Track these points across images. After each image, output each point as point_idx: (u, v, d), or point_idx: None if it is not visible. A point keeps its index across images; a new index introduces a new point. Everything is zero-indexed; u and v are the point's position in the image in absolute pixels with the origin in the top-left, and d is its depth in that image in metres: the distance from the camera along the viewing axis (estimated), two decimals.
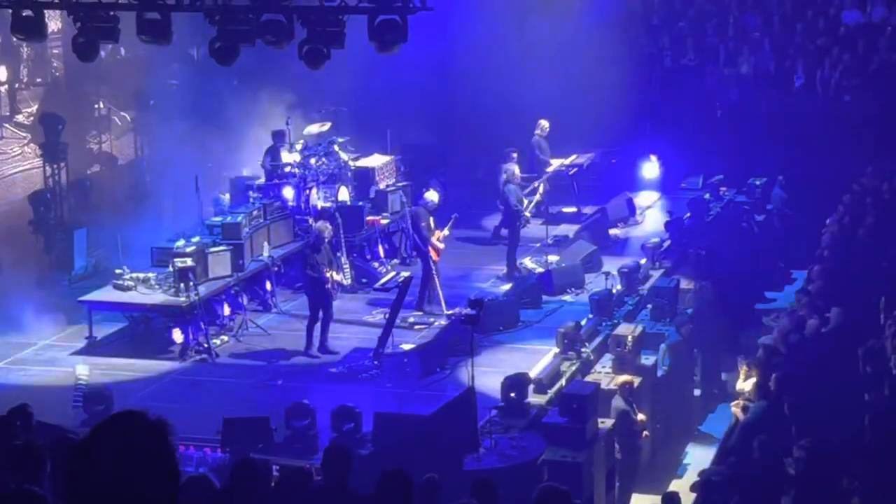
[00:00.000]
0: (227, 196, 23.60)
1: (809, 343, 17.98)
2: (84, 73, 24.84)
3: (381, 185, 25.01)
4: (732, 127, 29.08)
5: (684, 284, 21.52)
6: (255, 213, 22.24)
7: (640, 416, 17.07)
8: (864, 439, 14.58)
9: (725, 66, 30.37)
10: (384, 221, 24.41)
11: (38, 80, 26.95)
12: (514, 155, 25.01)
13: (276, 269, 22.18)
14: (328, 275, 20.02)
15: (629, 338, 18.07)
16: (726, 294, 21.41)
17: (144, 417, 4.05)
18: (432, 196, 22.50)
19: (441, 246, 21.90)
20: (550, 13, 31.11)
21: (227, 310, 21.02)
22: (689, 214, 25.07)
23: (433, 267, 21.60)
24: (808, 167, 26.91)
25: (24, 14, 16.40)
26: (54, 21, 23.89)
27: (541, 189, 23.89)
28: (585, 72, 28.75)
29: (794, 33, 30.29)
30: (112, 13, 16.12)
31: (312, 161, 23.83)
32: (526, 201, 23.47)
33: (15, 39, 17.84)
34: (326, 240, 20.49)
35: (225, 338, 20.60)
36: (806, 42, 30.05)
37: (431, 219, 22.03)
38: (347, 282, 22.17)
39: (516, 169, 23.72)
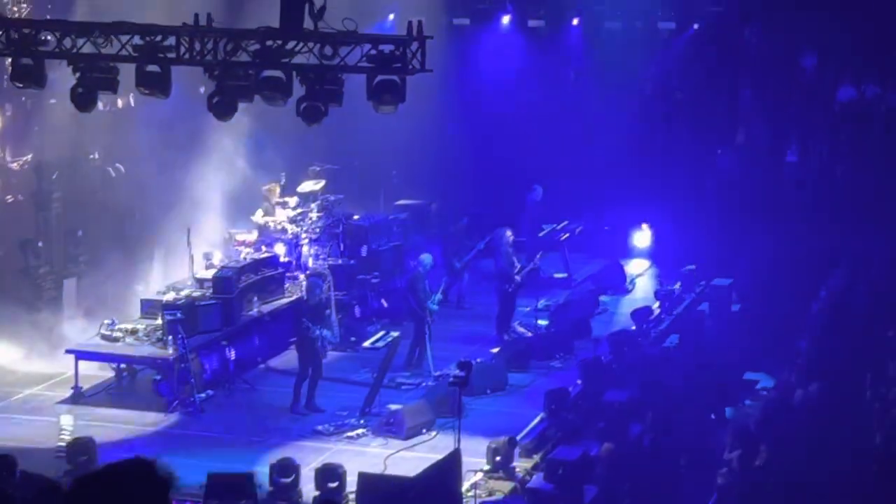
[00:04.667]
0: (219, 250, 23.57)
1: (796, 414, 17.97)
2: (80, 123, 24.86)
3: (374, 245, 25.04)
4: (723, 197, 29.19)
5: (674, 353, 21.50)
6: (246, 267, 22.24)
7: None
8: None
9: (719, 138, 30.53)
10: (375, 281, 24.41)
11: (35, 128, 26.91)
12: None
13: (264, 324, 22.16)
14: (319, 332, 20.00)
15: (616, 403, 18.06)
16: (714, 363, 21.39)
17: (153, 469, 4.07)
18: (427, 258, 22.57)
19: (435, 308, 21.88)
20: (545, 80, 31.28)
21: (214, 364, 20.95)
22: (679, 284, 25.13)
23: (426, 329, 21.61)
24: (798, 239, 26.97)
25: (23, 62, 16.44)
26: (52, 70, 23.94)
27: (535, 262, 24.04)
28: (579, 138, 28.89)
29: (789, 108, 30.45)
30: (112, 64, 16.16)
31: (306, 218, 23.90)
32: (519, 266, 23.51)
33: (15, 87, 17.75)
34: (319, 297, 20.50)
35: (211, 391, 20.52)
36: (800, 117, 30.21)
37: (426, 281, 22.08)
38: (336, 340, 22.13)
39: (509, 233, 23.76)
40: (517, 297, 23.81)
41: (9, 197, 25.99)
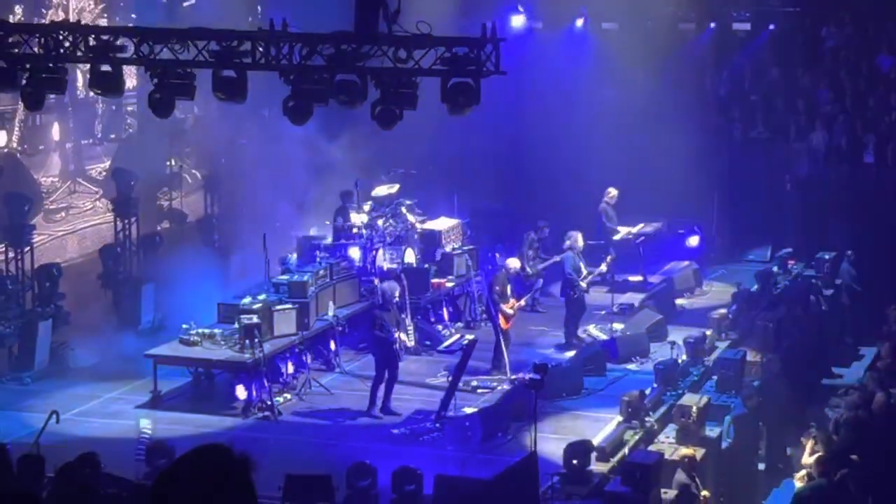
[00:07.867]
0: (295, 255, 23.69)
1: (877, 420, 17.76)
2: (157, 129, 25.11)
3: (447, 248, 25.06)
4: (801, 200, 28.93)
5: (750, 357, 21.34)
6: (321, 272, 22.34)
7: (704, 493, 16.78)
8: None
9: (795, 140, 30.26)
10: (449, 284, 24.45)
11: (112, 135, 27.20)
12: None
13: (340, 328, 22.24)
14: (396, 335, 20.03)
15: (694, 409, 17.91)
16: (793, 368, 21.19)
17: (229, 452, 4.07)
18: (514, 263, 22.58)
19: (511, 313, 21.85)
20: (621, 83, 31.16)
21: (290, 368, 21.05)
22: (756, 286, 24.91)
23: (500, 331, 21.58)
24: (877, 243, 26.66)
25: (102, 69, 16.60)
26: (130, 78, 24.20)
27: (604, 265, 23.95)
28: (654, 141, 28.73)
29: (866, 109, 30.13)
30: (189, 70, 16.28)
31: (380, 222, 23.97)
32: (585, 271, 23.42)
33: (91, 94, 17.94)
34: (395, 300, 20.55)
35: (288, 395, 20.62)
36: (878, 117, 29.87)
37: (509, 286, 22.05)
38: (412, 343, 22.14)
39: (579, 237, 23.66)
40: (584, 301, 23.70)
41: (87, 203, 26.29)
